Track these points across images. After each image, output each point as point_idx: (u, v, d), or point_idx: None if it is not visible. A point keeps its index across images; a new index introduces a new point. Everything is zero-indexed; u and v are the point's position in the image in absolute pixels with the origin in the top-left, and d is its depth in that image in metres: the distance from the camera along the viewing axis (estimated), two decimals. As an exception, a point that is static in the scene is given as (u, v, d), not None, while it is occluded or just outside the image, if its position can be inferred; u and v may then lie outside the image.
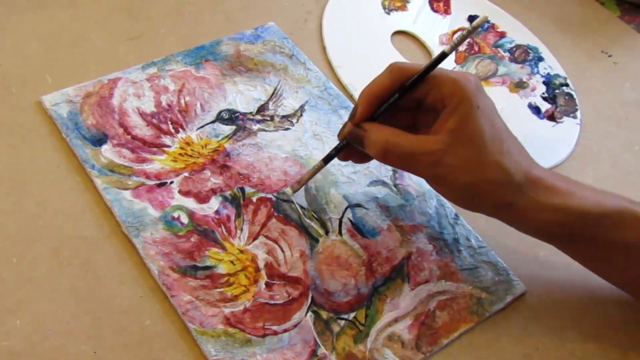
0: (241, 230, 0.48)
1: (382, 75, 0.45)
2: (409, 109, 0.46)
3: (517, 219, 0.45)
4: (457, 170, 0.43)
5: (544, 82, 0.64)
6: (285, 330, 0.44)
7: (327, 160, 0.48)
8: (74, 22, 0.61)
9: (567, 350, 0.47)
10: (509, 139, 0.45)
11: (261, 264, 0.47)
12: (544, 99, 0.62)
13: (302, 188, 0.51)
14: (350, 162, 0.53)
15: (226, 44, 0.60)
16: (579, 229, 0.44)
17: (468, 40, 0.66)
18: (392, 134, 0.44)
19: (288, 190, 0.49)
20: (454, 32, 0.67)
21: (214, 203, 0.49)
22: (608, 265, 0.47)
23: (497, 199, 0.44)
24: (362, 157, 0.49)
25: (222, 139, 0.53)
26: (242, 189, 0.51)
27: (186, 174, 0.51)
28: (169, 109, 0.55)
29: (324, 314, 0.45)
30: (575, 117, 0.61)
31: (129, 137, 0.52)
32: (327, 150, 0.54)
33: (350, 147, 0.47)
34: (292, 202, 0.50)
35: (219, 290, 0.45)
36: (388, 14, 0.68)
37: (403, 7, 0.69)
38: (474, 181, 0.43)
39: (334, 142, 0.55)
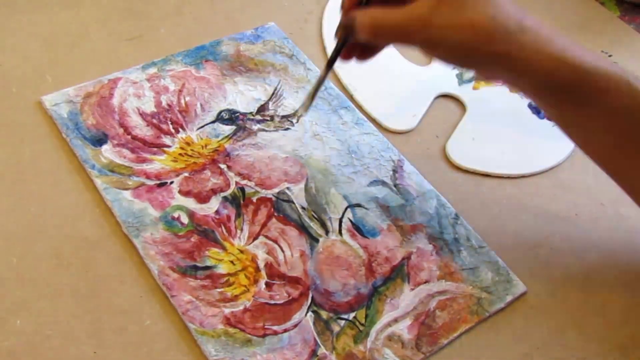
0: (241, 230, 0.48)
1: None
2: None
3: (517, 69, 0.44)
4: (447, 29, 0.43)
5: (544, 82, 0.63)
6: (285, 330, 0.44)
7: (329, 65, 0.48)
8: (74, 22, 0.61)
9: (567, 350, 0.47)
10: None
11: (261, 264, 0.47)
12: (544, 99, 0.62)
13: (303, 186, 0.51)
14: (350, 161, 0.53)
15: (226, 44, 0.60)
16: (575, 83, 0.44)
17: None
18: (378, 11, 0.44)
19: (300, 110, 0.50)
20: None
21: (214, 203, 0.49)
22: (590, 127, 0.46)
23: (492, 49, 0.43)
24: (362, 52, 0.49)
25: (222, 139, 0.53)
26: (242, 189, 0.51)
27: (186, 174, 0.51)
28: (169, 109, 0.55)
29: (324, 314, 0.45)
30: (575, 117, 0.61)
31: (129, 137, 0.52)
32: (327, 150, 0.54)
33: (349, 46, 0.47)
34: (293, 202, 0.50)
35: (219, 290, 0.45)
36: (388, 14, 0.67)
37: (403, 7, 0.68)
38: (465, 36, 0.43)
39: (334, 142, 0.55)
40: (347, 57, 0.49)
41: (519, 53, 0.43)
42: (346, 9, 0.46)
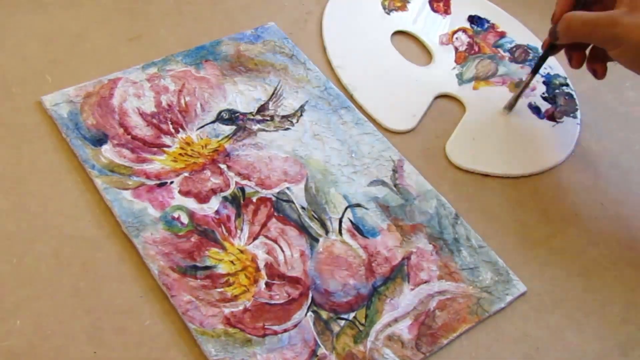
0: (241, 230, 0.48)
1: None
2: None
3: None
4: (633, 27, 0.47)
5: (544, 82, 0.64)
6: (285, 330, 0.44)
7: (535, 71, 0.57)
8: (74, 22, 0.61)
9: (567, 350, 0.47)
10: None
11: (261, 264, 0.47)
12: (544, 99, 0.62)
13: (303, 186, 0.51)
14: (350, 161, 0.54)
15: (226, 44, 0.60)
16: None
17: (468, 40, 0.66)
18: (577, 11, 0.50)
19: (504, 110, 0.58)
20: (454, 32, 0.67)
21: (214, 203, 0.49)
22: None
23: None
24: (582, 59, 0.54)
25: (222, 139, 0.54)
26: (242, 189, 0.51)
27: (186, 174, 0.51)
28: (169, 109, 0.55)
29: (324, 314, 0.45)
30: (575, 117, 0.61)
31: (129, 137, 0.52)
32: (327, 150, 0.54)
33: (570, 52, 0.54)
34: (293, 202, 0.50)
35: (219, 290, 0.45)
36: (388, 14, 0.67)
37: (403, 7, 0.68)
38: None
39: (334, 142, 0.55)
40: (576, 65, 0.54)
41: None
42: (555, 20, 0.53)
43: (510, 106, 0.59)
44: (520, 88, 0.58)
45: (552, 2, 0.73)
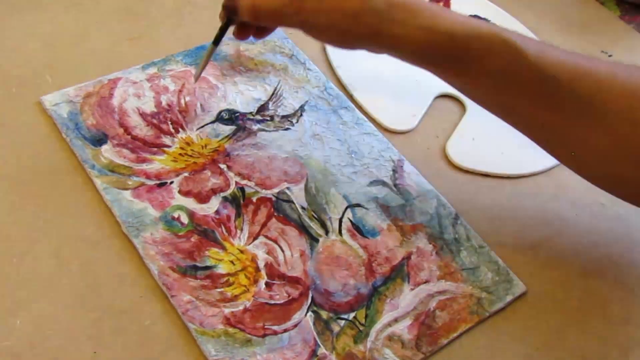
0: (241, 230, 0.48)
1: None
2: None
3: (391, 44, 0.45)
4: (318, 12, 0.45)
5: (544, 82, 0.63)
6: (285, 330, 0.44)
7: (216, 41, 0.52)
8: (74, 22, 0.61)
9: (567, 350, 0.47)
10: None
11: (261, 264, 0.47)
12: (544, 99, 0.62)
13: (303, 186, 0.51)
14: (350, 161, 0.53)
15: (226, 44, 0.60)
16: (449, 50, 0.44)
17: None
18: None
19: (192, 81, 0.55)
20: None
21: (214, 203, 0.49)
22: (478, 90, 0.47)
23: (363, 30, 0.45)
24: (257, 30, 0.52)
25: (222, 139, 0.54)
26: (242, 189, 0.51)
27: (186, 174, 0.51)
28: (169, 109, 0.55)
29: (324, 314, 0.45)
30: (575, 117, 0.61)
31: (129, 137, 0.52)
32: (327, 150, 0.54)
33: (241, 26, 0.51)
34: (293, 202, 0.50)
35: (219, 290, 0.45)
36: (388, 14, 0.67)
37: (403, 7, 0.68)
38: (335, 19, 0.45)
39: (334, 142, 0.55)
40: (242, 36, 0.52)
41: (389, 30, 0.44)
42: None
43: (196, 78, 0.55)
44: (203, 59, 0.54)
45: (552, 2, 0.74)
